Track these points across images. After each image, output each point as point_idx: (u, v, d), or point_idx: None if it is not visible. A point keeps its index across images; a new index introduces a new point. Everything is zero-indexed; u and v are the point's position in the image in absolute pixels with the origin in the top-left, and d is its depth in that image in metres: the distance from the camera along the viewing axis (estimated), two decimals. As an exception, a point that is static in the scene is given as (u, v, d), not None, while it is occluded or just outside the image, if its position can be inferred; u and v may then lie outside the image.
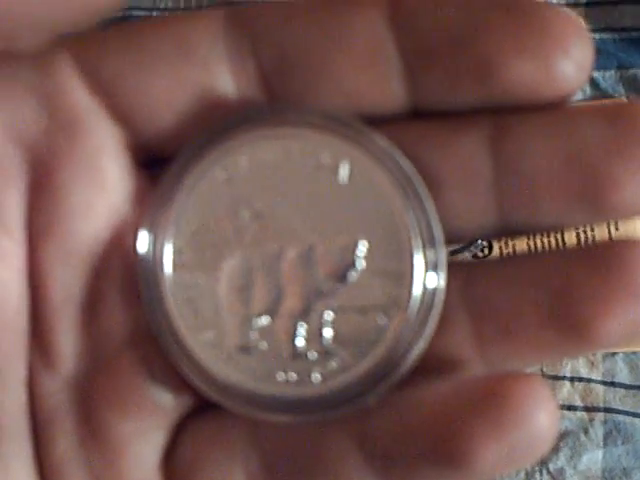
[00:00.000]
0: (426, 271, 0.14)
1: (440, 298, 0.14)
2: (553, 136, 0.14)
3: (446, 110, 0.14)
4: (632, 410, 0.31)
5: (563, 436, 0.31)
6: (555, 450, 0.31)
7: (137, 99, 0.15)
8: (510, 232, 0.15)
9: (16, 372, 0.16)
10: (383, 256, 0.14)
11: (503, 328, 0.14)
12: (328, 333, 0.15)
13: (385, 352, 0.14)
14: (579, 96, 0.34)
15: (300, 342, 0.15)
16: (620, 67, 0.33)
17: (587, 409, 0.31)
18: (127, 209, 0.16)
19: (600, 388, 0.32)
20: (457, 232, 0.15)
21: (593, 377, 0.32)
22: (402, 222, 0.14)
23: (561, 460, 0.31)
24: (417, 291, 0.14)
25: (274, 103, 0.15)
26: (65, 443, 0.16)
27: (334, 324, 0.15)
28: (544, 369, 0.32)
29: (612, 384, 0.32)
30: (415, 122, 0.15)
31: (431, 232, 0.14)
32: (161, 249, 0.15)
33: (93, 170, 0.15)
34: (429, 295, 0.14)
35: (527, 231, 0.14)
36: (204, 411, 0.16)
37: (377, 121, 0.15)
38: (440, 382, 0.14)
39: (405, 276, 0.14)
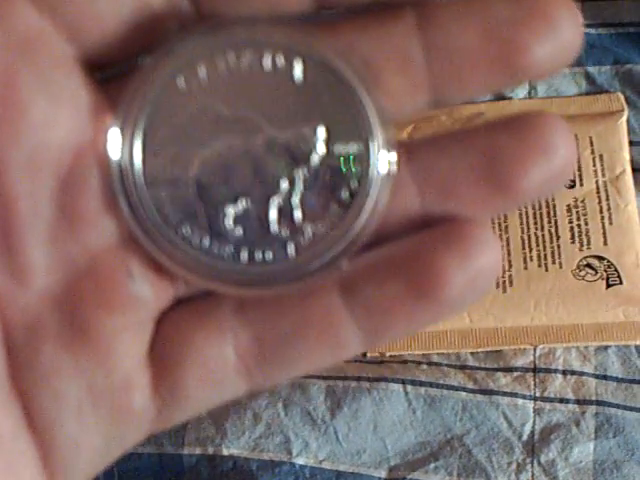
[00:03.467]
0: (381, 149, 0.16)
1: (393, 170, 0.16)
2: (470, 17, 0.16)
3: (345, 7, 0.16)
4: (623, 403, 0.31)
5: (555, 428, 0.31)
6: (546, 442, 0.31)
7: (83, 15, 0.16)
8: (441, 106, 0.17)
9: None
10: (342, 139, 0.16)
11: (443, 192, 0.16)
12: (297, 213, 0.16)
13: (350, 223, 0.16)
14: (575, 90, 0.34)
15: (273, 224, 0.16)
16: (616, 62, 0.34)
17: (579, 402, 0.32)
18: (88, 119, 0.16)
19: (592, 381, 0.32)
20: (397, 112, 0.16)
21: (585, 370, 0.32)
22: (359, 107, 0.16)
23: (552, 452, 0.31)
24: (375, 167, 0.16)
25: (216, 19, 0.16)
26: (49, 350, 0.16)
27: (302, 204, 0.16)
28: (537, 362, 0.32)
29: (604, 377, 0.32)
30: (346, 20, 0.16)
31: (382, 113, 0.16)
32: (132, 153, 0.16)
33: (51, 84, 0.16)
34: (385, 169, 0.16)
35: (455, 102, 0.17)
36: (182, 304, 0.17)
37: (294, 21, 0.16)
38: (401, 239, 0.16)
39: (364, 155, 0.16)
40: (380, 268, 0.16)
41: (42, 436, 0.16)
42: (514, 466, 0.31)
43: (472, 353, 0.33)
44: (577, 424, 0.31)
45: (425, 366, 0.33)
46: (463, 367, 0.32)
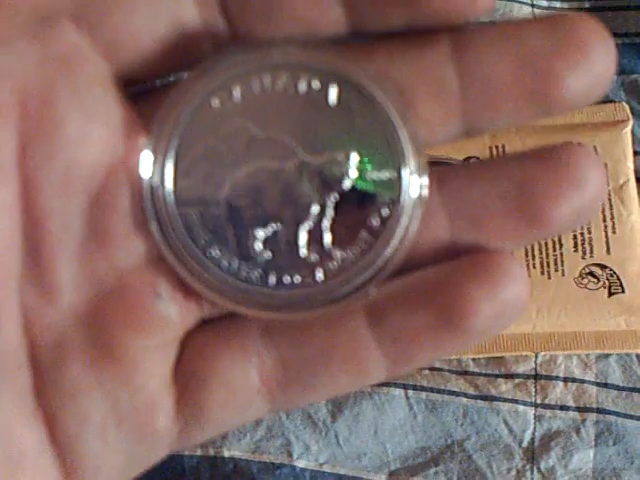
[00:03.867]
0: (413, 176, 0.16)
1: (424, 198, 0.16)
2: (505, 46, 0.16)
3: (380, 32, 0.16)
4: (624, 411, 0.31)
5: (555, 435, 0.31)
6: (546, 449, 0.31)
7: (120, 33, 0.16)
8: (473, 134, 0.17)
9: (8, 307, 0.16)
10: (375, 166, 0.16)
11: (474, 219, 0.16)
12: (327, 238, 0.16)
13: (379, 249, 0.16)
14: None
15: (302, 248, 0.16)
16: (621, 72, 0.34)
17: (579, 409, 0.32)
18: (121, 138, 0.16)
19: (593, 389, 0.32)
20: (429, 139, 0.16)
21: (586, 378, 0.32)
22: (392, 133, 0.16)
23: (552, 459, 0.31)
24: (406, 194, 0.16)
25: (252, 40, 0.16)
26: (74, 368, 0.16)
27: (332, 229, 0.16)
28: (538, 369, 0.32)
29: (605, 385, 0.32)
30: (380, 45, 0.16)
31: (415, 140, 0.16)
32: (164, 172, 0.16)
33: (86, 101, 0.16)
34: (416, 197, 0.16)
35: (487, 131, 0.17)
36: (208, 325, 0.17)
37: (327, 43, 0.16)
38: (430, 267, 0.16)
39: (396, 182, 0.16)
40: (408, 296, 0.16)
41: (65, 454, 0.16)
42: (514, 472, 0.31)
43: (473, 359, 0.33)
44: (577, 431, 0.31)
45: (426, 371, 0.33)
46: (464, 373, 0.33)
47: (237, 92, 0.16)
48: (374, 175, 0.16)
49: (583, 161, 0.15)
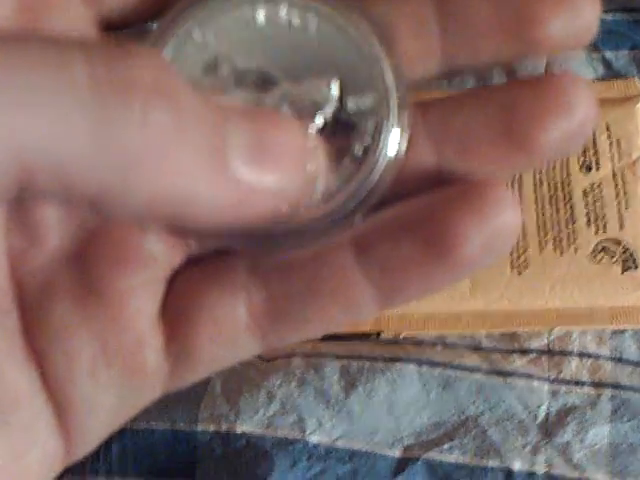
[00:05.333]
0: (396, 104, 0.16)
1: (408, 126, 0.16)
2: None
3: None
4: (639, 386, 0.31)
5: (570, 411, 0.31)
6: (562, 425, 0.31)
7: None
8: (452, 73, 0.17)
9: None
10: (357, 94, 0.16)
11: (460, 149, 0.16)
12: (311, 163, 0.16)
13: (363, 178, 0.16)
14: (592, 75, 0.34)
15: None
16: (633, 47, 0.34)
17: (595, 385, 0.31)
18: None
19: (608, 364, 0.32)
20: (408, 75, 0.16)
21: (601, 353, 0.32)
22: (375, 62, 0.16)
23: (568, 434, 0.31)
24: (389, 123, 0.16)
25: None
26: (62, 308, 0.16)
27: (317, 155, 0.16)
28: (551, 345, 0.32)
29: (620, 360, 0.32)
30: None
31: (398, 70, 0.16)
32: None
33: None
34: (399, 125, 0.16)
35: (468, 71, 0.17)
36: (195, 264, 0.17)
37: None
38: (417, 197, 0.16)
39: (379, 110, 0.16)
40: (395, 227, 0.16)
41: (57, 396, 0.16)
42: (529, 448, 0.31)
43: (487, 335, 0.33)
44: (593, 407, 0.31)
45: (440, 347, 0.33)
46: (478, 348, 0.32)
47: (219, 25, 0.16)
48: (356, 104, 0.16)
49: (571, 85, 0.15)
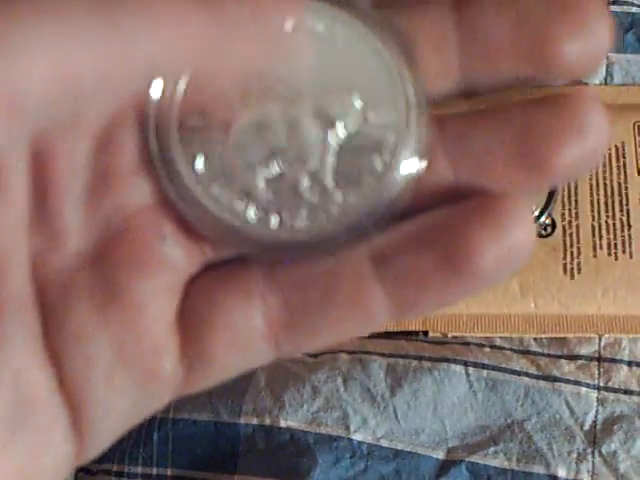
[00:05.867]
0: (417, 121, 0.16)
1: (427, 143, 0.16)
2: (504, 4, 0.16)
3: None
4: (690, 398, 0.31)
5: (618, 419, 0.31)
6: (609, 433, 0.31)
7: None
8: (470, 92, 0.16)
9: (16, 253, 0.16)
10: (379, 109, 0.16)
11: (476, 167, 0.16)
12: (329, 180, 0.16)
13: (382, 193, 0.16)
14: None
15: (304, 190, 0.16)
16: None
17: (644, 394, 0.31)
18: None
19: (658, 374, 0.31)
20: (428, 90, 0.17)
21: (651, 362, 0.32)
22: (397, 78, 0.16)
23: (615, 443, 0.31)
24: (409, 139, 0.16)
25: None
26: (81, 312, 0.16)
27: (335, 172, 0.16)
28: (600, 352, 0.32)
29: (670, 370, 0.31)
30: None
31: (419, 87, 0.16)
32: (171, 111, 0.16)
33: None
34: (419, 142, 0.16)
35: (485, 89, 0.17)
36: (212, 270, 0.17)
37: None
38: (434, 211, 0.16)
39: (399, 126, 0.16)
40: (412, 239, 0.16)
41: (72, 398, 0.16)
42: (575, 455, 0.31)
43: (536, 339, 0.32)
44: (641, 416, 0.31)
45: (488, 349, 0.32)
46: (526, 352, 0.32)
47: None
48: (378, 119, 0.16)
49: (587, 109, 0.15)
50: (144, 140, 0.16)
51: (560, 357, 0.32)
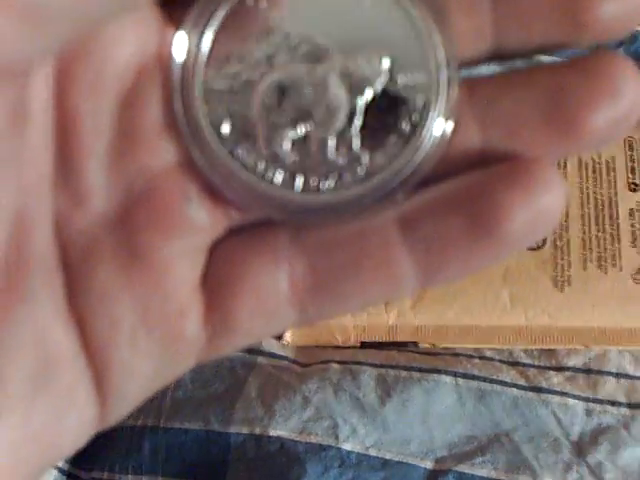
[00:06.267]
0: (446, 83, 0.16)
1: (456, 105, 0.16)
2: None
3: None
4: (675, 410, 0.31)
5: (604, 431, 0.31)
6: (595, 444, 0.31)
7: None
8: (503, 55, 0.16)
9: (40, 212, 0.15)
10: (407, 70, 0.16)
11: (505, 130, 0.16)
12: (356, 141, 0.16)
13: (409, 155, 0.16)
14: None
15: (330, 152, 0.16)
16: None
17: (630, 406, 0.31)
18: (155, 39, 0.16)
19: (644, 386, 0.32)
20: (459, 53, 0.16)
21: (638, 374, 0.32)
22: (427, 39, 0.16)
23: (601, 454, 0.31)
24: (438, 100, 0.16)
25: None
26: (105, 273, 0.16)
27: (362, 133, 0.16)
28: (588, 364, 0.32)
29: (657, 383, 0.32)
30: None
31: (449, 47, 0.16)
32: (195, 69, 0.16)
33: (121, 2, 0.15)
34: (447, 103, 0.16)
35: (519, 54, 0.16)
36: (237, 234, 0.16)
37: None
38: (463, 175, 0.16)
39: (428, 87, 0.16)
40: (441, 204, 0.16)
41: (96, 360, 0.16)
42: (561, 465, 0.31)
43: (525, 350, 0.33)
44: (627, 427, 0.31)
45: (477, 360, 0.32)
46: (515, 364, 0.32)
47: None
48: (406, 80, 0.16)
49: (620, 71, 0.15)
50: (168, 101, 0.16)
51: (549, 369, 0.32)
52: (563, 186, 0.15)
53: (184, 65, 0.16)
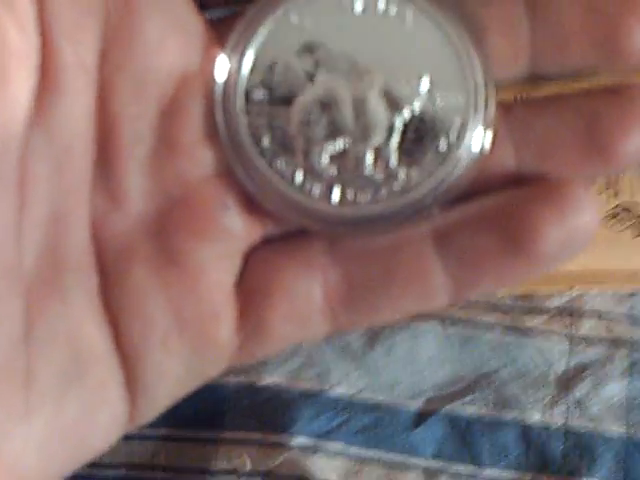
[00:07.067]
0: (483, 104, 0.16)
1: (492, 126, 0.16)
2: None
3: None
4: (656, 343, 0.32)
5: (587, 366, 0.32)
6: (579, 379, 0.32)
7: None
8: (537, 78, 0.17)
9: (78, 212, 0.16)
10: (446, 90, 0.17)
11: (539, 151, 0.16)
12: (394, 158, 0.16)
13: (445, 172, 0.16)
14: None
15: (368, 166, 0.17)
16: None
17: (612, 342, 0.32)
18: (198, 49, 0.16)
19: (625, 323, 0.33)
20: (495, 76, 0.17)
21: (619, 312, 0.33)
22: (465, 59, 0.16)
23: (585, 388, 0.32)
24: (474, 120, 0.16)
25: None
26: (140, 274, 0.16)
27: (399, 150, 0.16)
28: (571, 304, 0.33)
29: (635, 319, 0.33)
30: None
31: (487, 69, 0.16)
32: (238, 82, 0.16)
33: (167, 9, 0.16)
34: (484, 124, 0.16)
35: (552, 76, 0.17)
36: (273, 243, 0.17)
37: None
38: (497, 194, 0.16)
39: (466, 108, 0.16)
40: (475, 220, 0.16)
41: (128, 360, 0.16)
42: (547, 401, 0.32)
43: (507, 295, 0.34)
44: (610, 363, 0.32)
45: (460, 305, 0.34)
46: (498, 307, 0.33)
47: (317, 10, 0.16)
48: (444, 99, 0.16)
49: None
50: (210, 111, 0.16)
51: (530, 311, 0.33)
52: (595, 206, 0.16)
53: (227, 78, 0.16)
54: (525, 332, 0.33)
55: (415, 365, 0.33)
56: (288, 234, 0.17)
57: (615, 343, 0.33)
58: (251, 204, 0.17)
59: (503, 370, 0.32)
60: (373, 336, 0.33)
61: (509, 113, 0.17)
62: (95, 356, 0.16)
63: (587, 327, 0.33)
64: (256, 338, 0.17)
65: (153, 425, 0.32)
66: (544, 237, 0.15)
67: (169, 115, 0.16)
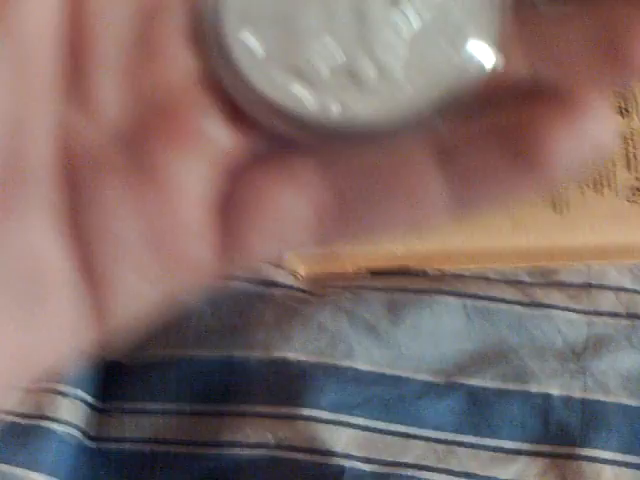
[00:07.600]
0: (496, 12, 0.15)
1: (503, 38, 0.15)
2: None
3: None
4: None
5: (606, 341, 0.33)
6: (598, 354, 0.33)
7: None
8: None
9: (42, 121, 0.15)
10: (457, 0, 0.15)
11: (554, 60, 0.15)
12: (398, 67, 0.15)
13: (454, 82, 0.15)
14: None
15: (369, 76, 0.15)
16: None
17: (630, 317, 0.33)
18: None
19: (644, 298, 0.33)
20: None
21: (637, 288, 0.34)
22: None
23: (603, 362, 0.33)
24: (487, 29, 0.15)
25: None
26: (114, 187, 0.15)
27: (404, 58, 0.15)
28: (590, 280, 0.34)
29: (656, 294, 0.33)
30: None
31: None
32: None
33: None
34: (495, 35, 0.15)
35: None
36: (261, 159, 0.16)
37: None
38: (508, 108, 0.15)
39: (478, 16, 0.15)
40: (482, 134, 0.15)
41: (96, 279, 0.15)
42: (567, 374, 0.33)
43: (527, 271, 0.34)
44: (628, 337, 0.33)
45: (483, 282, 0.34)
46: (518, 282, 0.34)
47: None
48: (454, 5, 0.15)
49: None
50: (195, 11, 0.15)
51: (550, 286, 0.34)
52: (611, 118, 0.15)
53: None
54: (545, 308, 0.33)
55: (438, 341, 0.33)
56: (277, 149, 0.16)
57: (632, 318, 0.33)
58: (237, 114, 0.15)
59: (523, 346, 0.33)
60: (397, 313, 0.34)
61: (523, 25, 0.15)
62: (58, 278, 0.15)
63: (605, 302, 0.33)
64: (235, 258, 0.16)
65: (178, 400, 0.34)
66: (556, 150, 0.14)
67: (149, 17, 0.15)
